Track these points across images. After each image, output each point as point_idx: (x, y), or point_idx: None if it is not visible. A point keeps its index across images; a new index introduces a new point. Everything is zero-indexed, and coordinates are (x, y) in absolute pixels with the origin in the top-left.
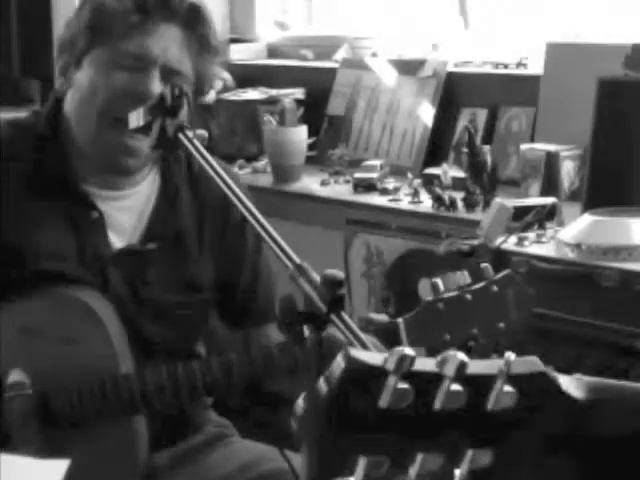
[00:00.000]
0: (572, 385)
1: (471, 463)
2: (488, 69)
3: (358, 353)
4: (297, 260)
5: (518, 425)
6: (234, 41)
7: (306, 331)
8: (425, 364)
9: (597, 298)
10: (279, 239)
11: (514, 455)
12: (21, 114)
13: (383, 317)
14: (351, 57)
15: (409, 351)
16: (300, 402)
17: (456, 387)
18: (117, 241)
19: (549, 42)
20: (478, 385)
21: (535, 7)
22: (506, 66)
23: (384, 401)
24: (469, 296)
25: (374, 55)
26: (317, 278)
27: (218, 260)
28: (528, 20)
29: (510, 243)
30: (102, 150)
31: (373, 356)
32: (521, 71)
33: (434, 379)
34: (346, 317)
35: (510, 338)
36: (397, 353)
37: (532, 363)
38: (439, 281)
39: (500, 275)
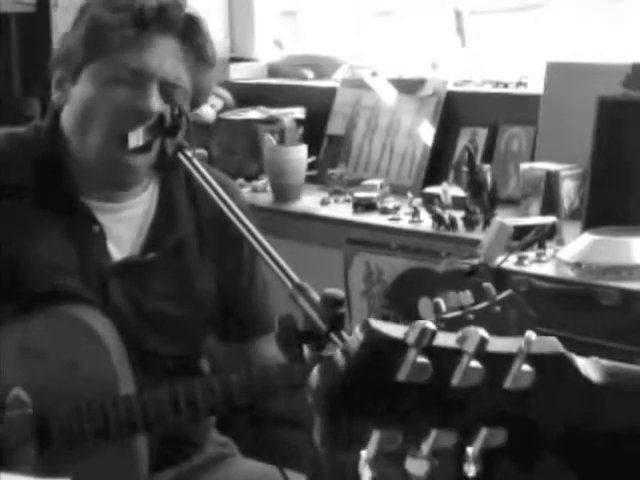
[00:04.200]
0: (589, 367)
1: (485, 442)
2: (488, 88)
3: (378, 324)
4: (297, 279)
5: (534, 405)
6: (234, 60)
7: (306, 350)
8: (446, 339)
9: (597, 317)
10: (279, 258)
11: (529, 436)
12: (20, 128)
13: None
14: (351, 76)
15: (430, 325)
16: (315, 374)
17: (475, 364)
18: (117, 253)
19: (549, 61)
20: (497, 363)
21: (535, 26)
22: (506, 85)
23: (402, 374)
24: (471, 317)
25: (374, 74)
26: (317, 297)
27: (218, 272)
28: (528, 39)
29: (510, 262)
30: (103, 166)
31: (394, 328)
32: (521, 90)
33: (454, 355)
34: (346, 336)
35: None
36: (418, 326)
37: (551, 344)
38: (441, 301)
39: (502, 295)
